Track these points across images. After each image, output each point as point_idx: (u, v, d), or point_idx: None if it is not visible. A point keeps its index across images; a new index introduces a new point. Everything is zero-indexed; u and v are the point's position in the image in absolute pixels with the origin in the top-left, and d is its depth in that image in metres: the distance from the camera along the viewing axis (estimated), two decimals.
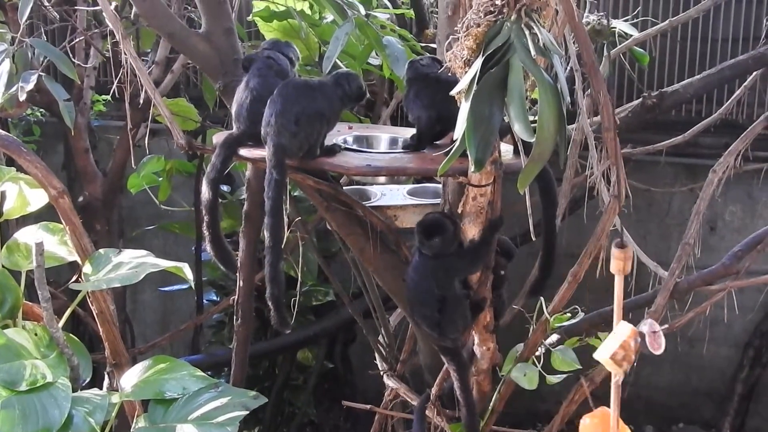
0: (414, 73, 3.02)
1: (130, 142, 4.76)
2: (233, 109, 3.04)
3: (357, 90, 2.96)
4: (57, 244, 3.16)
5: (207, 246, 3.06)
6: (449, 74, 2.56)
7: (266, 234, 2.83)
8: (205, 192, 2.96)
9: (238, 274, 4.22)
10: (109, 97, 5.62)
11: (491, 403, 3.27)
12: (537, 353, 3.15)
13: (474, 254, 2.76)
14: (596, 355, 2.53)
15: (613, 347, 2.50)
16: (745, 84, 4.96)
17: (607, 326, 3.62)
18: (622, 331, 2.54)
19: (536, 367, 3.10)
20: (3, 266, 3.03)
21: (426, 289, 2.80)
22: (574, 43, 3.74)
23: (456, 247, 2.76)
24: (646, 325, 2.54)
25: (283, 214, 2.89)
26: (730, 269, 3.59)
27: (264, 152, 2.86)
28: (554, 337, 3.19)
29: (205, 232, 3.02)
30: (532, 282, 3.19)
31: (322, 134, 2.85)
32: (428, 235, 2.73)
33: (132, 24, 4.82)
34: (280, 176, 2.79)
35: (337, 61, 3.56)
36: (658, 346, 2.52)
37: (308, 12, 4.22)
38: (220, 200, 5.21)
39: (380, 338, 4.00)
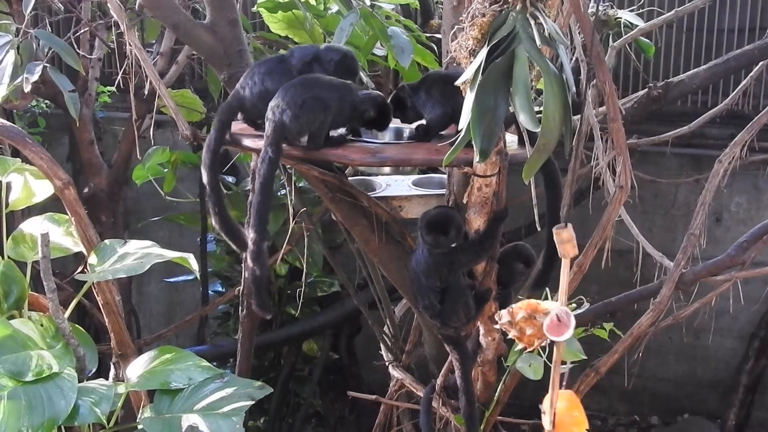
0: (416, 83, 3.03)
1: (135, 133, 4.75)
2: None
3: (371, 114, 2.95)
4: (62, 235, 3.17)
5: (213, 220, 3.02)
6: (455, 66, 2.57)
7: (251, 212, 2.82)
8: (205, 160, 2.94)
9: (243, 265, 4.23)
10: (113, 89, 5.61)
11: (496, 394, 3.28)
12: (542, 344, 3.15)
13: (479, 247, 2.76)
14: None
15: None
16: (751, 74, 4.94)
17: (612, 317, 3.63)
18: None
19: (541, 357, 3.09)
20: (9, 257, 3.04)
21: (428, 280, 2.80)
22: (579, 33, 3.73)
23: (460, 241, 2.76)
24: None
25: (271, 194, 2.88)
26: (736, 260, 3.59)
27: None
28: None
29: (209, 207, 3.00)
30: (536, 274, 3.19)
31: (324, 124, 2.85)
32: (431, 231, 2.73)
33: (136, 15, 4.81)
34: (274, 155, 2.79)
35: None
36: (558, 334, 2.45)
37: (313, 2, 4.22)
38: (225, 191, 5.24)
39: (385, 329, 4.00)
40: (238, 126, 3.08)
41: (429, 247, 2.75)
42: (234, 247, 3.11)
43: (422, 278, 2.81)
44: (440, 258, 2.75)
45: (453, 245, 2.74)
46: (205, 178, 2.97)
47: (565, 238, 2.37)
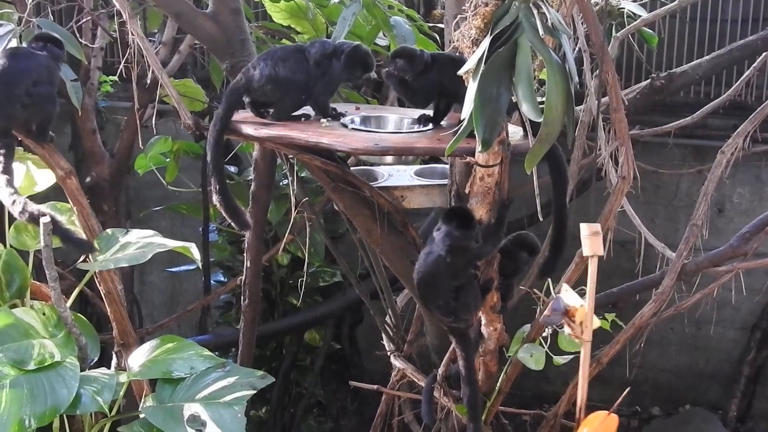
0: (429, 57, 3.02)
1: (138, 122, 4.74)
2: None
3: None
4: (65, 224, 3.16)
5: (215, 199, 3.02)
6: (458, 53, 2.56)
7: None
8: (211, 141, 2.96)
9: (245, 255, 4.24)
10: (116, 78, 5.61)
11: (498, 384, 3.28)
12: (544, 334, 3.15)
13: (496, 236, 2.74)
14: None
15: None
16: (754, 65, 4.92)
17: (614, 308, 3.64)
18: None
19: (543, 348, 3.10)
20: (11, 246, 3.04)
21: (442, 280, 2.78)
22: (582, 23, 3.72)
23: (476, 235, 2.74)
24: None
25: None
26: (738, 251, 3.59)
27: (271, 132, 2.88)
28: None
29: (213, 184, 3.01)
30: (543, 261, 3.18)
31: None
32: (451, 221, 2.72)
33: (139, 4, 4.81)
34: None
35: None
36: None
37: None
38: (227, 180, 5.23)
39: (387, 319, 4.00)
40: (240, 114, 3.08)
41: (451, 241, 2.71)
42: (234, 225, 3.12)
43: (440, 281, 2.77)
44: (457, 253, 2.72)
45: (473, 239, 2.71)
46: (209, 157, 2.98)
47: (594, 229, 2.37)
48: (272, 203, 4.60)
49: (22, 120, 2.89)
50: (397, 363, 3.81)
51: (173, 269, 6.39)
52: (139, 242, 3.01)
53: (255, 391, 2.71)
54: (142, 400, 2.79)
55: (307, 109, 3.12)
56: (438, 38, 4.34)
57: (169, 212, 6.18)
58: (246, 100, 3.05)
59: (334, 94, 3.27)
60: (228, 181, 5.21)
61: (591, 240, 2.44)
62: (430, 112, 3.09)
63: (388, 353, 3.90)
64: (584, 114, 4.04)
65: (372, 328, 4.55)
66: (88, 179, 5.38)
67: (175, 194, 5.60)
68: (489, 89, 2.31)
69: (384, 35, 4.02)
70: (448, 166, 3.16)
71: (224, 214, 3.07)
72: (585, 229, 2.45)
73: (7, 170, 2.86)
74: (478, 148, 2.44)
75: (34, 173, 3.19)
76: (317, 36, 4.17)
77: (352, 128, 3.00)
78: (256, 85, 2.98)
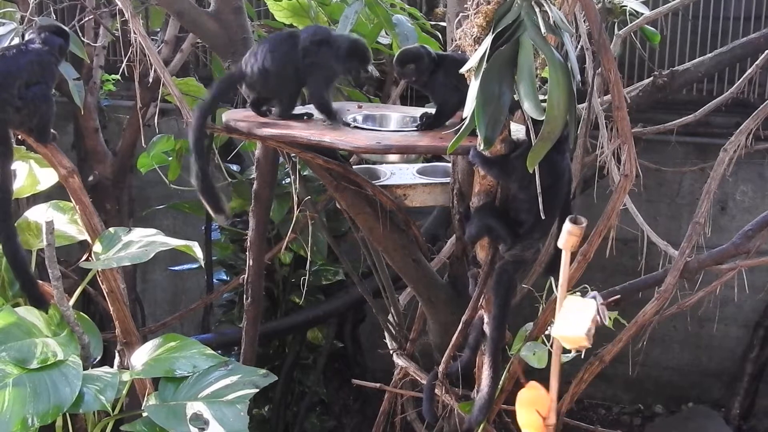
0: (438, 56, 2.99)
1: (140, 121, 4.75)
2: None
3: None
4: (67, 222, 3.17)
5: (193, 181, 2.97)
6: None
7: None
8: (193, 124, 2.95)
9: (247, 253, 4.24)
10: (118, 77, 5.62)
11: (500, 382, 3.27)
12: (546, 332, 3.15)
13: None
14: (557, 333, 2.51)
15: (585, 324, 2.48)
16: (756, 63, 4.92)
17: (617, 305, 3.63)
18: (585, 306, 2.53)
19: (545, 346, 3.09)
20: None
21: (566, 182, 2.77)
22: (584, 21, 3.72)
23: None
24: (596, 297, 2.54)
25: None
26: (741, 248, 3.58)
27: (273, 130, 2.88)
28: None
29: (192, 167, 2.96)
30: (548, 259, 3.17)
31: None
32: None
33: (141, 3, 4.81)
34: None
35: None
36: (605, 318, 2.52)
37: None
38: (229, 179, 5.24)
39: (390, 317, 4.00)
40: (242, 113, 3.08)
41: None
42: (209, 210, 3.04)
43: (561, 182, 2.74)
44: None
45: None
46: (190, 139, 2.96)
47: (574, 232, 2.36)
48: (275, 202, 4.60)
49: (16, 123, 2.87)
50: (399, 361, 3.81)
51: (176, 268, 6.39)
52: (141, 241, 3.01)
53: (257, 390, 2.72)
54: (145, 399, 2.80)
55: (311, 108, 3.11)
56: (440, 36, 4.33)
57: (171, 211, 6.18)
58: (247, 99, 3.05)
59: (332, 89, 3.23)
60: (231, 180, 5.26)
61: (568, 236, 2.43)
62: (432, 110, 3.09)
63: (391, 351, 3.90)
64: (586, 112, 4.03)
65: (374, 326, 4.56)
66: (90, 178, 5.38)
67: (178, 193, 5.60)
68: (491, 87, 2.31)
69: (386, 33, 4.02)
70: (450, 165, 3.16)
71: (201, 197, 2.99)
72: (568, 224, 2.44)
73: (5, 176, 2.85)
74: (480, 146, 2.44)
75: (37, 172, 3.19)
76: None
77: (355, 126, 3.00)
78: (249, 81, 2.98)
